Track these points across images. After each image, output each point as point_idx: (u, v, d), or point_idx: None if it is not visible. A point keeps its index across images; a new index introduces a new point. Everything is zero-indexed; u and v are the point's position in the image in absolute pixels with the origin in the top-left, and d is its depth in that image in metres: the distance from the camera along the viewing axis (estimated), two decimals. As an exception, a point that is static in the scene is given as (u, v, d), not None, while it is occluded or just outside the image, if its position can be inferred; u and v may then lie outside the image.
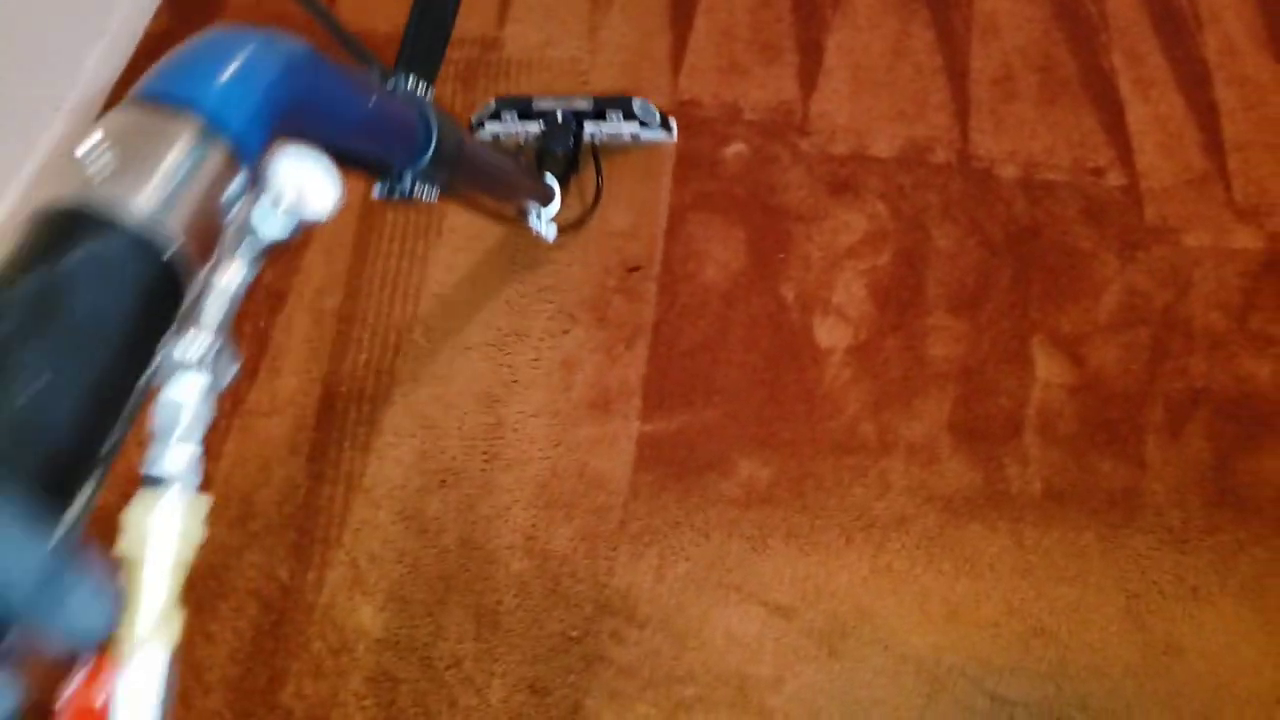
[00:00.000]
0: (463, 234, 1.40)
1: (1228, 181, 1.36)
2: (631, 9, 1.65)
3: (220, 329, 0.41)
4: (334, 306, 1.34)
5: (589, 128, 1.38)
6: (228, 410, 1.26)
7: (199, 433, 0.40)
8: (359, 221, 1.42)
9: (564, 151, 1.32)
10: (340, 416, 1.24)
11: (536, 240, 1.27)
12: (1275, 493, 1.11)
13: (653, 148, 1.44)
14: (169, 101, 0.39)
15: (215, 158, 0.39)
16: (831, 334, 1.27)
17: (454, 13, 0.70)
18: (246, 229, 0.43)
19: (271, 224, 0.44)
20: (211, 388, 0.40)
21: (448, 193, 0.77)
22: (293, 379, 1.27)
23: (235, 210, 0.41)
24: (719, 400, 1.23)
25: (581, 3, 1.66)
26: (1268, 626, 1.04)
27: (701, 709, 1.02)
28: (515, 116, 1.39)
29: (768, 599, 1.08)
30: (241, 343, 1.32)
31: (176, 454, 0.38)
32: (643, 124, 1.38)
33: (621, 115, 1.37)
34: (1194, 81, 1.46)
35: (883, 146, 1.44)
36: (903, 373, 1.23)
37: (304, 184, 0.44)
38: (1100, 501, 1.12)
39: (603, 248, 1.36)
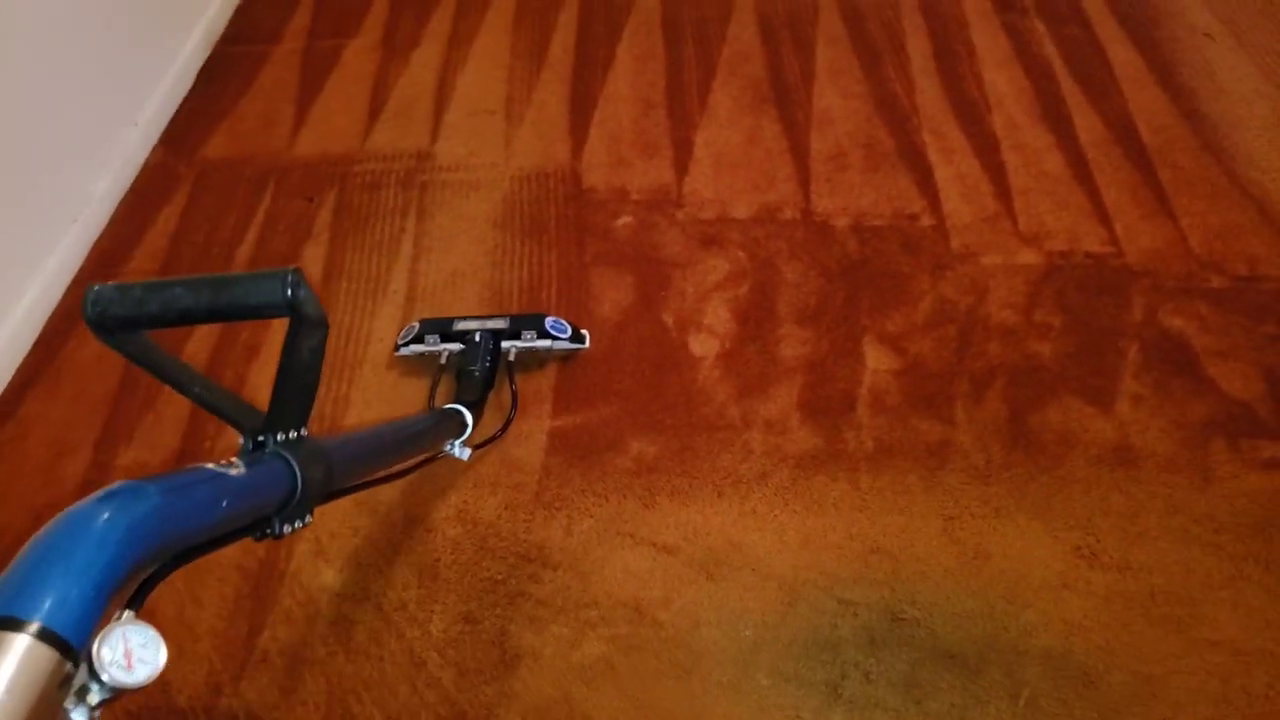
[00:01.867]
0: (402, 295, 1.69)
1: (1014, 218, 1.71)
2: (539, 124, 2.02)
3: None
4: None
5: (506, 345, 1.48)
6: (212, 434, 1.51)
7: None
8: (320, 287, 1.71)
9: (480, 372, 1.41)
10: (300, 436, 1.49)
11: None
12: (1056, 437, 1.39)
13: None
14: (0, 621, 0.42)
15: (48, 663, 0.42)
16: (703, 346, 1.56)
17: (319, 364, 0.69)
18: (81, 695, 0.46)
19: (99, 693, 0.46)
20: None
21: (330, 500, 0.81)
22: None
23: (72, 692, 0.45)
24: (614, 400, 1.50)
25: (497, 122, 2.04)
26: (1053, 533, 1.29)
27: (604, 625, 1.24)
28: (437, 339, 1.50)
29: (656, 540, 1.32)
30: (224, 383, 1.57)
31: None
32: (555, 338, 1.48)
33: (535, 333, 1.48)
34: (986, 148, 1.85)
35: (741, 210, 1.78)
36: (760, 370, 1.52)
37: (131, 659, 0.47)
38: (920, 452, 1.39)
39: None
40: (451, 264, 1.75)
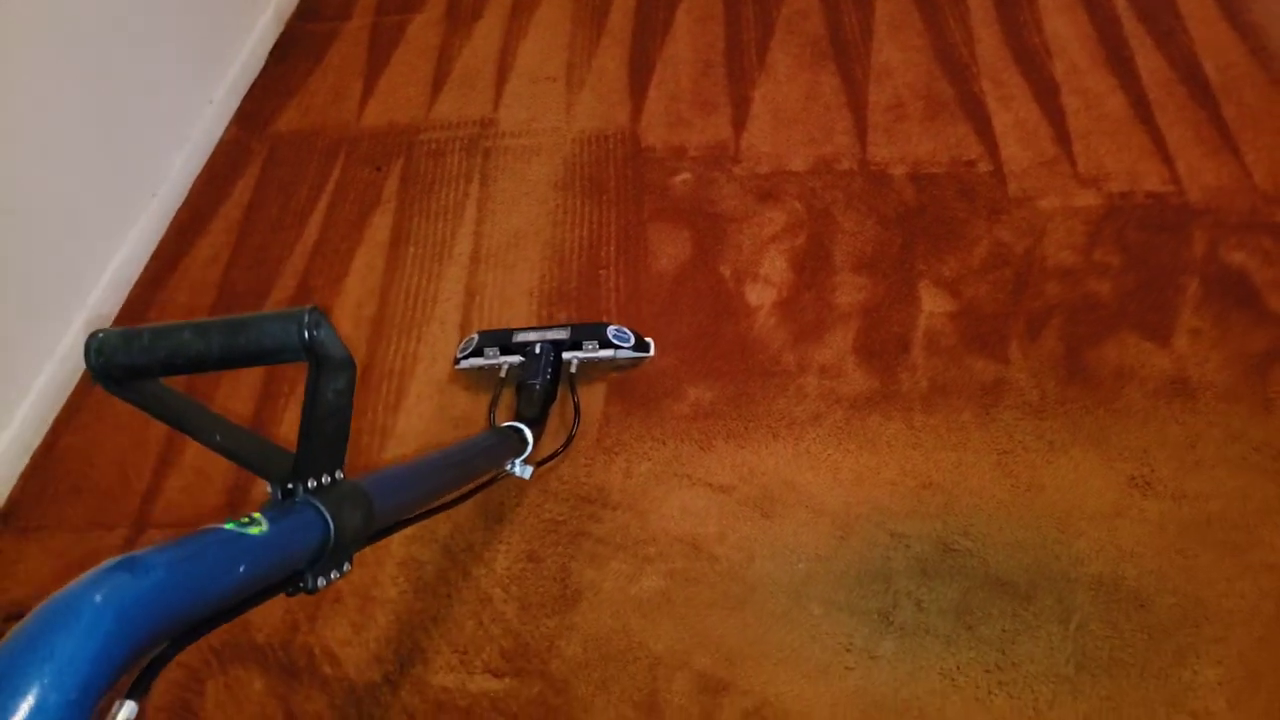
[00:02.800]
0: (466, 256, 1.77)
1: (1073, 161, 1.70)
2: (599, 89, 2.07)
3: None
4: (370, 314, 1.70)
5: (566, 356, 1.44)
6: (286, 391, 1.60)
7: None
8: (388, 251, 1.80)
9: (541, 385, 1.37)
10: (375, 389, 1.58)
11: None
12: (1113, 371, 1.39)
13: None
14: None
15: None
16: (760, 295, 1.60)
17: (348, 404, 0.64)
18: None
19: None
20: None
21: (375, 541, 0.76)
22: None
23: None
24: (672, 350, 1.54)
25: (558, 88, 2.09)
26: (1108, 464, 1.30)
27: (662, 561, 1.29)
28: (497, 351, 1.47)
29: (712, 481, 1.37)
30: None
31: None
32: (618, 347, 1.44)
33: (598, 343, 1.44)
34: (1046, 94, 1.83)
35: (798, 163, 1.81)
36: (816, 316, 1.55)
37: None
38: (975, 390, 1.41)
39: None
40: (514, 225, 1.82)
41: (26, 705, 0.39)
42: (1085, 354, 1.42)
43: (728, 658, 1.19)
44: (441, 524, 1.38)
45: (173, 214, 1.98)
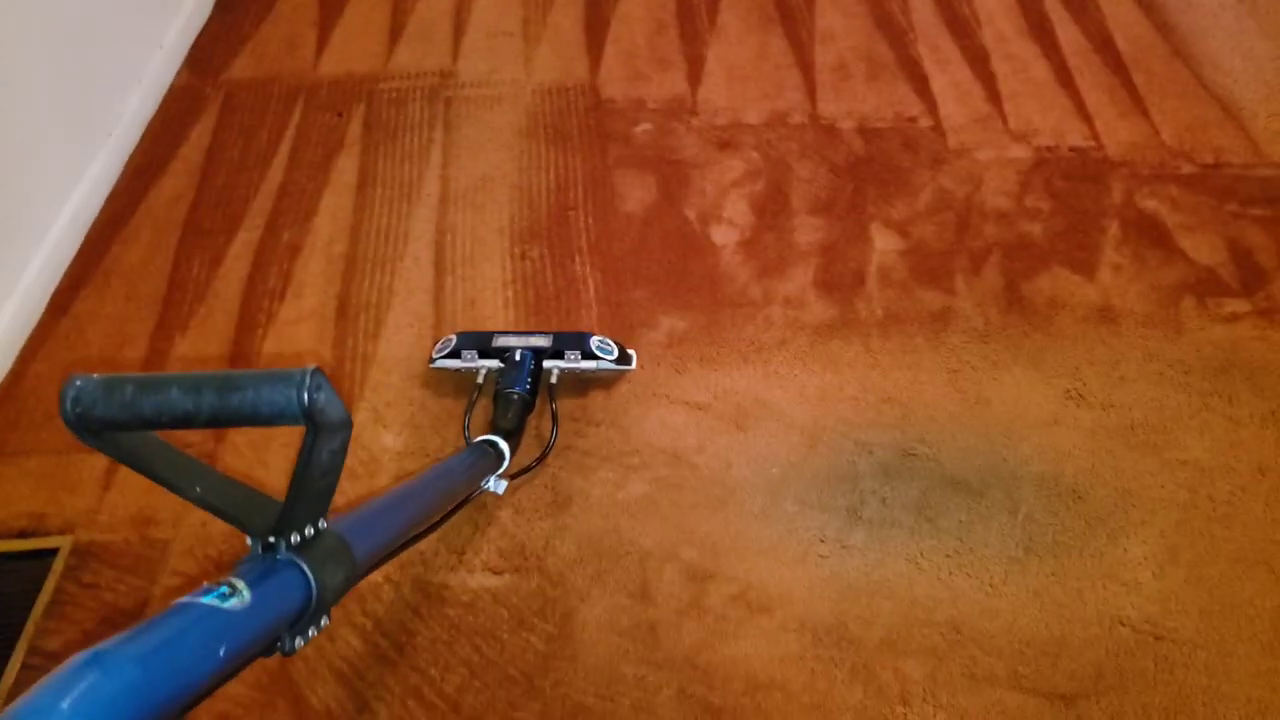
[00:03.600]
0: (435, 197, 1.81)
1: (1005, 118, 1.86)
2: (556, 44, 2.13)
3: None
4: (342, 250, 1.73)
5: (548, 365, 1.40)
6: (264, 321, 1.62)
7: None
8: (355, 192, 1.83)
9: (520, 394, 1.32)
10: (353, 319, 1.61)
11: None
12: (1047, 301, 1.54)
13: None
14: None
15: None
16: (724, 236, 1.70)
17: (341, 461, 0.62)
18: None
19: None
20: None
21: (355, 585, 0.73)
22: (313, 299, 1.65)
23: None
24: (645, 284, 1.63)
25: (515, 42, 2.15)
26: (1045, 380, 1.44)
27: (646, 469, 1.38)
28: (475, 355, 1.41)
29: (689, 400, 1.46)
30: (270, 279, 1.69)
31: None
32: (599, 359, 1.40)
33: (580, 354, 1.40)
34: (977, 59, 1.98)
35: (753, 116, 1.91)
36: (778, 254, 1.65)
37: None
38: (925, 318, 1.54)
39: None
40: (481, 169, 1.87)
41: None
42: (1022, 286, 1.57)
43: (712, 550, 1.28)
44: (431, 442, 1.43)
45: (129, 155, 1.96)
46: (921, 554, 1.26)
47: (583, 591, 1.25)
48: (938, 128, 1.85)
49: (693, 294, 1.61)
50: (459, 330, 1.52)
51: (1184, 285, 1.54)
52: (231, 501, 0.63)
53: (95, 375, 0.56)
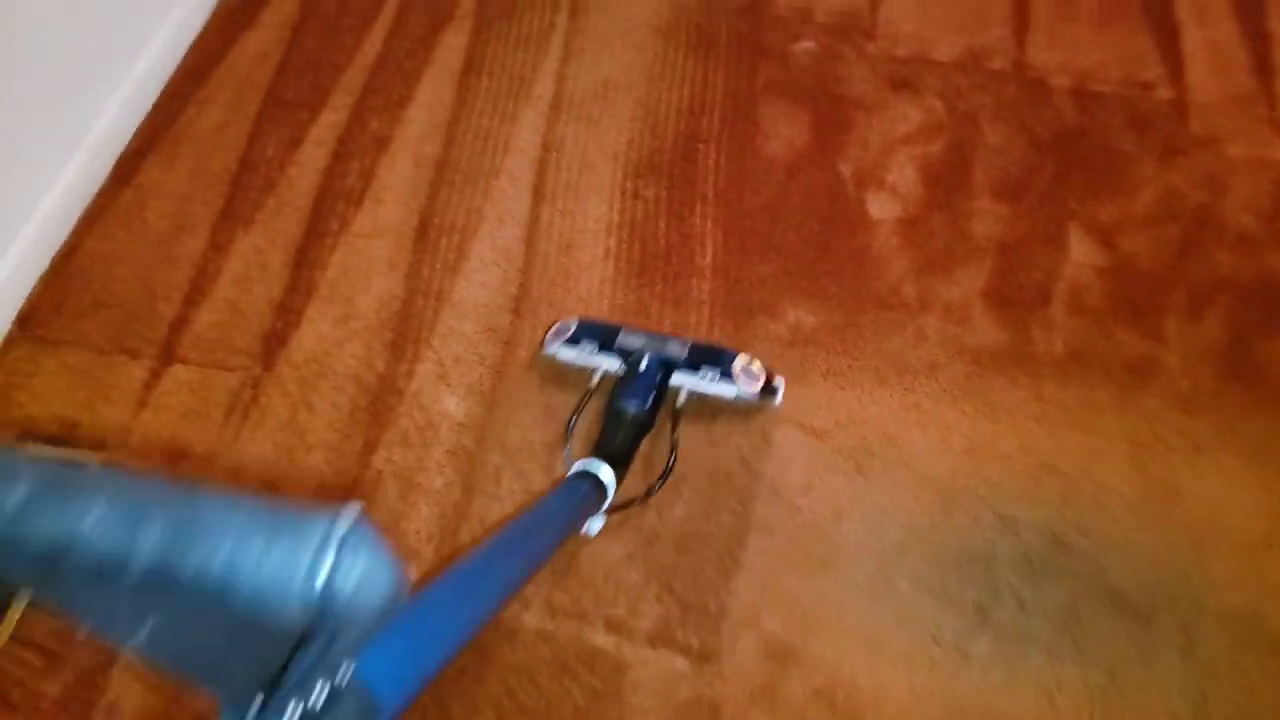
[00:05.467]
0: (546, 101, 1.53)
1: (1272, 101, 1.45)
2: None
3: None
4: (433, 153, 1.48)
5: (676, 380, 1.15)
6: (335, 230, 1.41)
7: None
8: (458, 80, 1.56)
9: (638, 411, 1.09)
10: (433, 244, 1.38)
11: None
12: (1282, 370, 1.21)
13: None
14: None
15: None
16: (883, 208, 1.38)
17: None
18: None
19: None
20: None
21: None
22: (394, 209, 1.42)
23: None
24: (774, 257, 1.35)
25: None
26: (1264, 482, 1.13)
27: (735, 499, 1.15)
28: (595, 347, 1.18)
29: (803, 421, 1.20)
30: (348, 178, 1.47)
31: None
32: (741, 386, 1.13)
33: (718, 374, 1.13)
34: (1249, 10, 1.55)
35: (943, 52, 1.54)
36: (946, 245, 1.34)
37: None
38: (1117, 366, 1.23)
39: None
40: (604, 72, 1.57)
41: None
42: (1253, 346, 1.23)
43: (802, 623, 1.07)
44: (498, 418, 1.23)
45: (218, -3, 1.72)
46: (1059, 685, 1.02)
47: (639, 644, 1.05)
48: (1179, 102, 1.46)
49: (831, 280, 1.32)
50: (582, 316, 1.26)
51: None
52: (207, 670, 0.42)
53: None
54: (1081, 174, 1.39)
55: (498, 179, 1.45)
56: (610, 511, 1.04)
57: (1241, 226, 1.32)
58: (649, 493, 1.12)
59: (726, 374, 1.14)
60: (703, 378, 1.14)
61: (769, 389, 1.18)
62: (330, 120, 1.54)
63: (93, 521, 0.34)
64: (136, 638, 0.40)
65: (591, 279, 1.33)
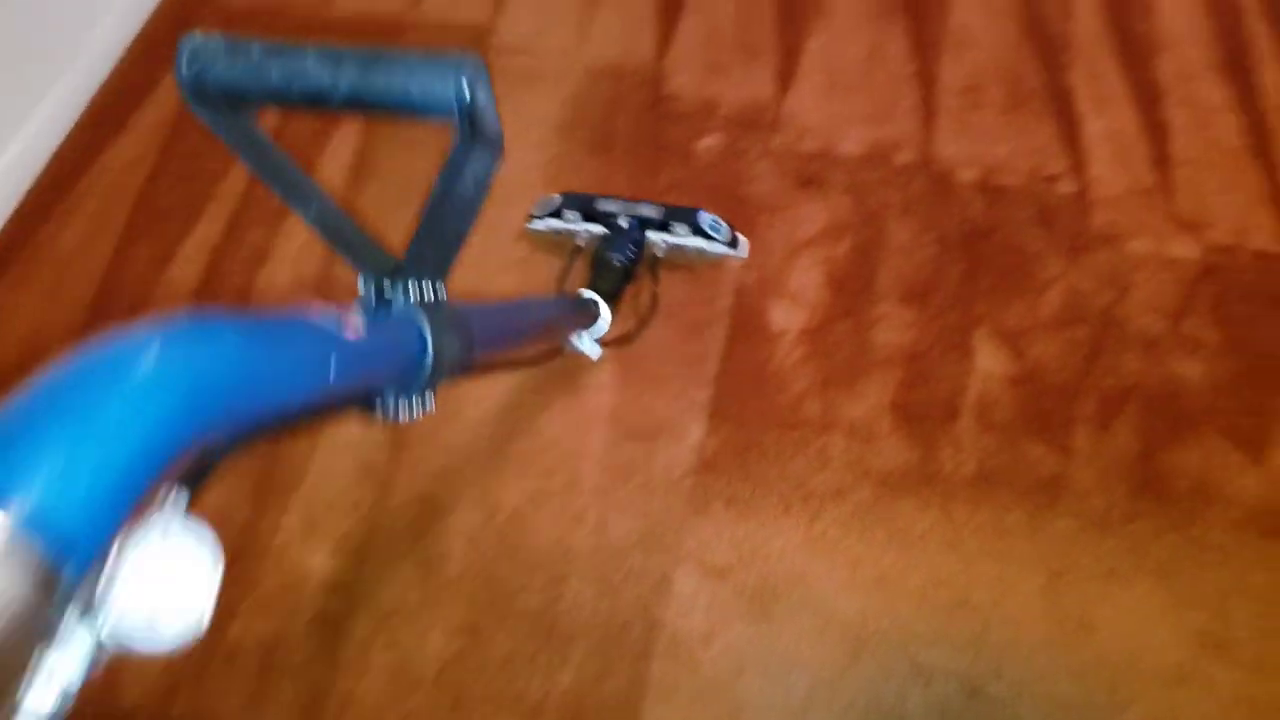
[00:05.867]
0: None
1: (1172, 194, 1.43)
2: (623, 5, 1.71)
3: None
4: (314, 269, 1.40)
5: (653, 236, 1.32)
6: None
7: None
8: (347, 184, 1.48)
9: (622, 262, 1.26)
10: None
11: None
12: (1192, 484, 1.17)
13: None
14: None
15: (22, 573, 0.26)
16: (787, 317, 1.33)
17: (481, 201, 0.56)
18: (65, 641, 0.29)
19: (97, 640, 0.30)
20: None
21: (455, 379, 0.62)
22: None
23: (54, 630, 0.28)
24: (673, 369, 1.28)
25: (572, -2, 1.73)
26: (1177, 608, 1.09)
27: (632, 654, 1.07)
28: (578, 216, 1.34)
29: (705, 559, 1.13)
30: (223, 297, 1.37)
31: None
32: (709, 238, 1.31)
33: (689, 229, 1.31)
34: (1148, 100, 1.53)
35: (850, 145, 1.50)
36: (850, 356, 1.29)
37: (156, 604, 0.30)
38: (1029, 485, 1.18)
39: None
40: (502, 173, 1.50)
41: (44, 486, 0.27)
42: (1161, 457, 1.19)
43: (701, 799, 0.99)
44: (369, 574, 1.14)
45: (87, 101, 1.62)
46: None
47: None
48: (1083, 195, 1.43)
49: (733, 398, 1.26)
50: (564, 190, 1.41)
51: (1387, 494, 1.15)
52: (348, 235, 0.56)
53: (218, 33, 0.49)
54: (989, 274, 1.35)
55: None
56: (606, 344, 1.22)
57: (1145, 329, 1.29)
58: (640, 328, 1.31)
59: (697, 229, 1.30)
60: (676, 233, 1.31)
61: (734, 242, 1.34)
62: (205, 233, 1.45)
63: (309, 61, 0.48)
64: (313, 212, 0.55)
65: (481, 392, 1.26)
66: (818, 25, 1.65)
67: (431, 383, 0.56)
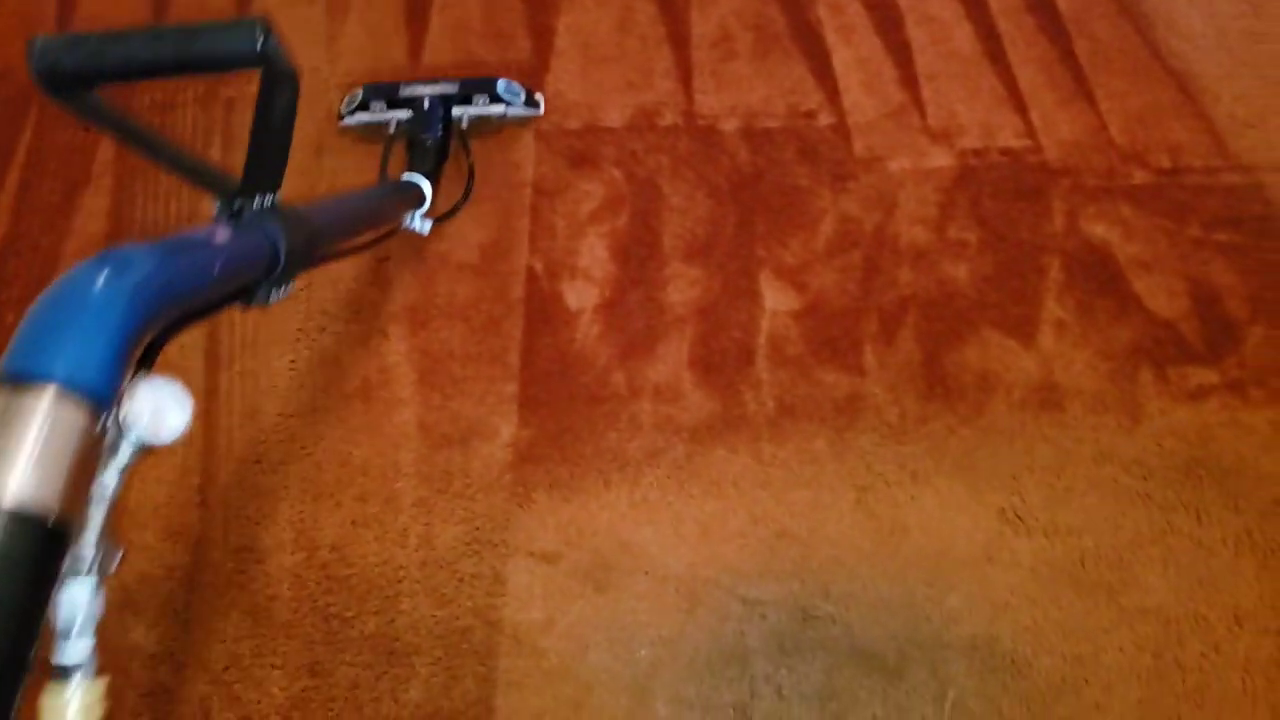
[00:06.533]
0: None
1: (922, 110, 1.50)
2: (369, 16, 1.68)
3: (102, 534, 0.46)
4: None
5: (456, 111, 1.41)
6: None
7: (93, 626, 0.45)
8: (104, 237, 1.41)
9: (434, 140, 1.35)
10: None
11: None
12: (975, 379, 1.24)
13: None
14: (22, 378, 0.42)
15: (76, 418, 0.42)
16: (580, 296, 1.34)
17: (291, 124, 0.66)
18: (112, 453, 0.46)
19: (129, 451, 0.47)
20: (99, 585, 0.45)
21: (309, 269, 0.76)
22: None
23: (104, 451, 0.45)
24: (474, 370, 1.28)
25: (317, 13, 1.69)
26: (977, 496, 1.16)
27: (475, 658, 1.07)
28: (384, 105, 1.42)
29: (534, 549, 1.14)
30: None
31: (77, 647, 0.44)
32: (508, 104, 1.42)
33: (488, 98, 1.41)
34: (889, 24, 1.60)
35: (614, 117, 1.52)
36: (646, 323, 1.31)
37: (158, 416, 0.48)
38: (828, 410, 1.23)
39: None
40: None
41: (71, 356, 0.43)
42: (945, 358, 1.26)
43: (564, 784, 1.00)
44: (196, 635, 1.10)
45: None
46: (826, 769, 1.00)
47: None
48: (841, 126, 1.49)
49: (539, 385, 1.27)
50: (365, 83, 1.49)
51: (1140, 349, 1.25)
52: (197, 168, 0.66)
53: (58, 34, 0.56)
54: (764, 217, 1.40)
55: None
56: (437, 220, 1.34)
57: (914, 240, 1.36)
58: (464, 198, 1.40)
59: (495, 97, 1.41)
60: (477, 104, 1.41)
61: (531, 101, 1.46)
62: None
63: (136, 41, 0.57)
64: (167, 155, 0.65)
65: (283, 432, 1.22)
66: (565, 3, 1.66)
67: (289, 273, 0.69)
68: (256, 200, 0.68)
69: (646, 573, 1.12)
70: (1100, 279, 1.32)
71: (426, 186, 1.24)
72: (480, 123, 1.46)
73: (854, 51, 1.58)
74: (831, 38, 1.60)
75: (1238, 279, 1.31)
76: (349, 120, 1.45)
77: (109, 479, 0.45)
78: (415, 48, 1.63)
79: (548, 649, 1.08)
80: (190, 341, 1.32)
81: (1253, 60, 1.52)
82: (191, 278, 0.55)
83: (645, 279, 1.35)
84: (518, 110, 1.44)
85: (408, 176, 1.25)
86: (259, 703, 1.06)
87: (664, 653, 1.07)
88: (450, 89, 1.42)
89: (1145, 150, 1.44)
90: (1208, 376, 1.23)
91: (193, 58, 0.57)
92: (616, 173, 1.46)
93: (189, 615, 1.11)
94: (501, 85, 1.43)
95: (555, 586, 1.11)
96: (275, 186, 0.70)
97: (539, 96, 1.48)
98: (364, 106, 1.44)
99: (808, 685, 1.05)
